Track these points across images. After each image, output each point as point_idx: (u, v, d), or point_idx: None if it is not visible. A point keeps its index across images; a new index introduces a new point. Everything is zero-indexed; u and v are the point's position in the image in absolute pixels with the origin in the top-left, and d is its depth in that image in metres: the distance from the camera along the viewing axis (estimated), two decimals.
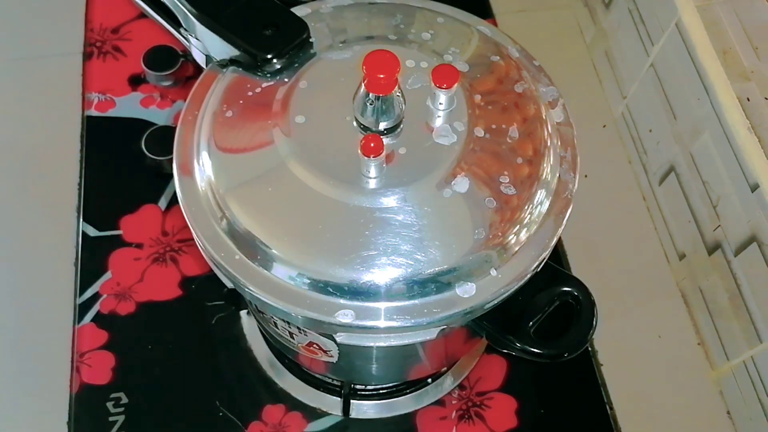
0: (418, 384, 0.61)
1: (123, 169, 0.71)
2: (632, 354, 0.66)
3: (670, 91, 0.67)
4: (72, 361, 0.62)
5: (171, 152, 0.68)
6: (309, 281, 0.41)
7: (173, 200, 0.70)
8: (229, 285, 0.43)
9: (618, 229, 0.72)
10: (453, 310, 0.41)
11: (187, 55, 0.69)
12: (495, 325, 0.44)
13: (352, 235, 0.41)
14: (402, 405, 0.61)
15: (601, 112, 0.77)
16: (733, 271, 0.60)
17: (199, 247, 0.44)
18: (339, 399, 0.60)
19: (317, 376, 0.61)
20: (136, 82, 0.76)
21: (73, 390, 0.61)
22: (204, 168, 0.45)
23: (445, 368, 0.62)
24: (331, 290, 0.40)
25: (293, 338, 0.48)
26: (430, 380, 0.62)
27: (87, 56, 0.77)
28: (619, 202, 0.73)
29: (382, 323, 0.40)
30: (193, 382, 0.62)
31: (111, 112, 0.74)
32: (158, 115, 0.74)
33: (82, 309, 0.64)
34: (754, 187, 0.56)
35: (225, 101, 0.46)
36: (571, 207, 0.44)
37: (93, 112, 0.74)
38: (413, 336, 0.42)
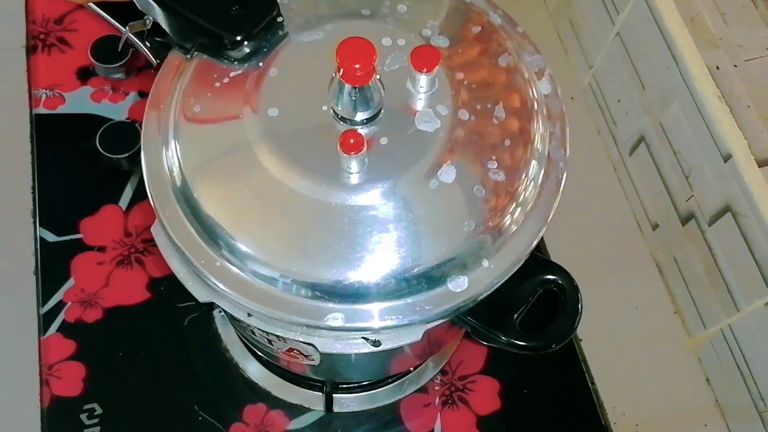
0: (400, 374, 0.60)
1: (78, 169, 0.68)
2: (610, 326, 0.66)
3: (637, 61, 0.66)
4: (40, 374, 0.60)
5: (127, 149, 0.66)
6: (295, 286, 0.39)
7: (134, 199, 0.67)
8: (203, 299, 0.41)
9: (590, 201, 0.71)
10: (446, 306, 0.39)
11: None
12: (480, 320, 0.43)
13: (336, 235, 0.39)
14: (385, 395, 0.61)
15: (567, 83, 0.76)
16: (707, 240, 0.60)
17: (171, 262, 0.42)
18: (321, 394, 0.59)
19: (298, 373, 0.59)
20: (85, 75, 0.72)
21: (43, 404, 0.59)
22: (176, 177, 0.42)
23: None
24: (318, 294, 0.39)
25: (272, 344, 0.46)
26: (412, 368, 0.61)
27: (31, 50, 0.73)
28: (589, 174, 0.73)
29: (374, 324, 0.39)
30: (170, 388, 0.60)
31: (61, 109, 0.70)
32: (111, 110, 0.70)
33: (47, 319, 0.62)
34: (727, 157, 0.56)
35: (192, 95, 0.43)
36: (561, 188, 0.42)
37: (42, 109, 0.70)
38: (397, 340, 0.41)
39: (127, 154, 0.66)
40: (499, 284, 0.41)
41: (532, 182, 0.42)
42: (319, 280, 0.39)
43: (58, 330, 0.61)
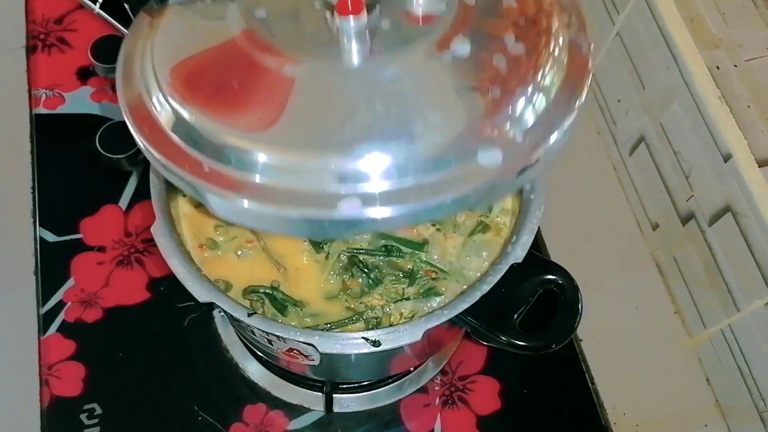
0: (400, 374, 0.60)
1: (78, 169, 0.68)
2: (610, 326, 0.66)
3: (637, 61, 0.66)
4: (40, 374, 0.60)
5: (127, 149, 0.66)
6: (301, 174, 0.35)
7: (134, 198, 0.67)
8: (203, 299, 0.41)
9: (590, 201, 0.71)
10: (478, 183, 0.35)
11: None
12: (480, 320, 0.43)
13: (347, 115, 0.35)
14: (385, 395, 0.61)
15: None
16: (707, 240, 0.60)
17: (171, 262, 0.42)
18: (321, 394, 0.59)
19: (298, 373, 0.59)
20: (85, 75, 0.72)
21: (43, 404, 0.59)
22: (161, 87, 0.38)
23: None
24: (331, 179, 0.35)
25: (272, 344, 0.46)
26: (412, 369, 0.61)
27: (31, 50, 0.73)
28: (589, 174, 0.73)
29: (394, 212, 0.35)
30: (169, 388, 0.60)
31: (61, 109, 0.70)
32: (111, 110, 0.71)
33: (47, 319, 0.62)
34: (727, 157, 0.56)
35: (175, 14, 0.41)
36: (590, 65, 0.40)
37: (41, 109, 0.70)
38: (397, 340, 0.41)
39: (127, 154, 0.66)
40: (537, 164, 0.37)
41: (557, 58, 0.39)
42: (331, 162, 0.35)
43: (58, 330, 0.61)
